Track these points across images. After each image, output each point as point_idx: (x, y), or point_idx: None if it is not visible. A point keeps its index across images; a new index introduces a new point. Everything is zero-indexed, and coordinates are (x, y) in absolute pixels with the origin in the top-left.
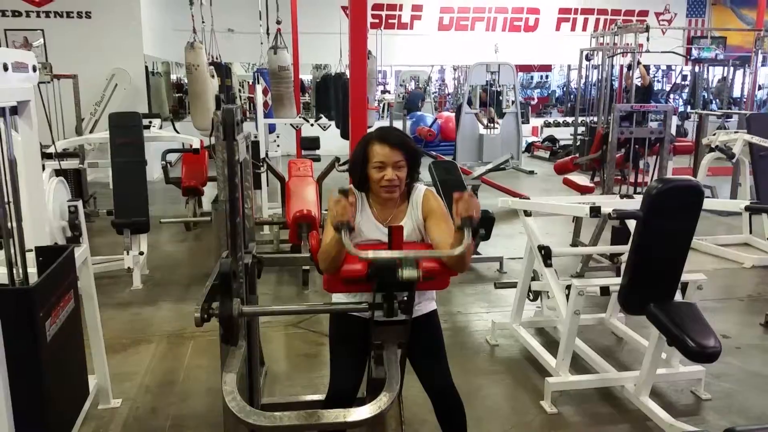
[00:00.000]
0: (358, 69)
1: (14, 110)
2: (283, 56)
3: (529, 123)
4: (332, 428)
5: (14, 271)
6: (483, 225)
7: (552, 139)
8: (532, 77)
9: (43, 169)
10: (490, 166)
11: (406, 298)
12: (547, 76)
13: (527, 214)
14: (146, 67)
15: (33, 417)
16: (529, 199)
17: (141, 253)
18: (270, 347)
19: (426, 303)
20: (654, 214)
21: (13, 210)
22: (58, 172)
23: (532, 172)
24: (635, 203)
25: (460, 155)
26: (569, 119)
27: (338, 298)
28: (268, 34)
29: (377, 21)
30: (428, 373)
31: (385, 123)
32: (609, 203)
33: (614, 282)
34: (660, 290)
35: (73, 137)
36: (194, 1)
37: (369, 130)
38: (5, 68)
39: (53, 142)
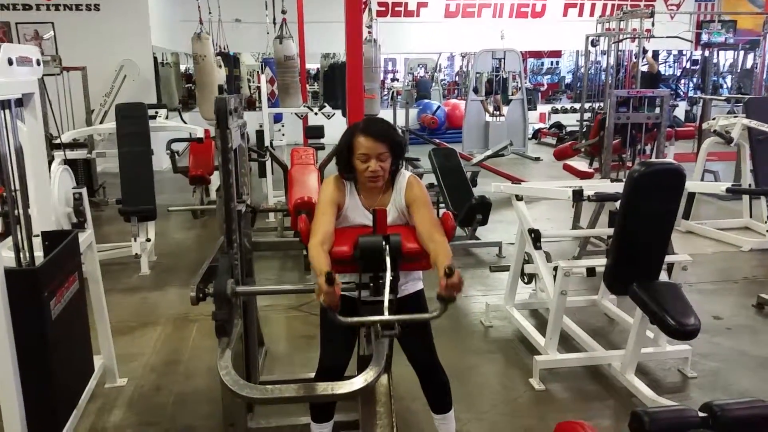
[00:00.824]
0: (354, 57)
1: (20, 102)
2: (288, 46)
3: (536, 109)
4: (322, 400)
5: (21, 255)
6: (480, 210)
7: (559, 126)
8: (542, 63)
9: (53, 159)
10: (488, 153)
11: (391, 279)
12: (557, 62)
13: (518, 198)
14: (155, 58)
15: (39, 390)
16: (521, 183)
17: (148, 240)
18: (271, 329)
19: (413, 283)
20: (636, 197)
21: (20, 197)
22: (67, 162)
23: (537, 159)
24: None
25: (466, 142)
26: (577, 105)
27: None
28: (274, 23)
29: (383, 9)
30: (414, 351)
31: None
32: (598, 187)
33: (600, 263)
34: (644, 271)
35: (82, 128)
36: None
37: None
38: (10, 62)
39: (59, 134)
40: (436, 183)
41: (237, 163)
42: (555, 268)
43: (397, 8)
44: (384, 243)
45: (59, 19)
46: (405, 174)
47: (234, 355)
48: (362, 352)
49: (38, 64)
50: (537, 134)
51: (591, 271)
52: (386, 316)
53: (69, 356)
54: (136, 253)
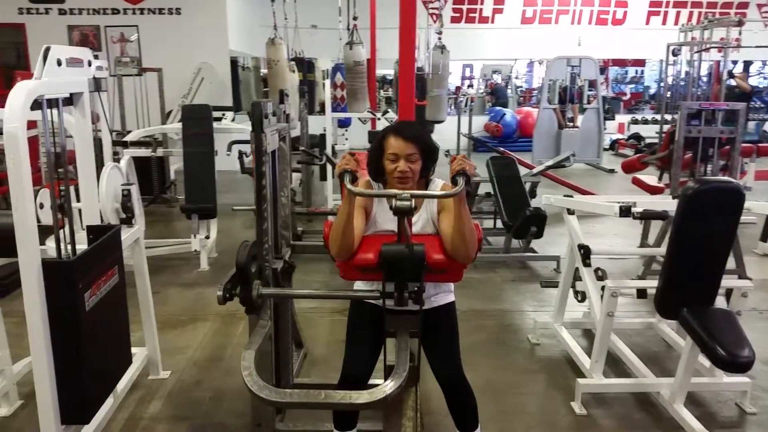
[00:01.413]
0: (406, 64)
1: (69, 101)
2: (358, 51)
3: (614, 119)
4: (341, 409)
5: (64, 248)
6: (535, 222)
7: (638, 137)
8: (626, 72)
9: (121, 156)
10: (549, 163)
11: (416, 288)
12: (641, 71)
13: (570, 212)
14: (233, 62)
15: (71, 377)
16: (568, 197)
17: (207, 237)
18: (313, 331)
19: (443, 295)
20: (689, 216)
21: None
22: (136, 160)
23: (612, 171)
24: None
25: (537, 151)
26: (659, 117)
27: (358, 285)
28: (348, 29)
29: (458, 15)
30: (437, 363)
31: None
32: (657, 204)
33: (652, 285)
34: (696, 295)
35: (151, 127)
36: None
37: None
38: (59, 63)
39: (109, 133)
40: (492, 192)
41: (275, 167)
42: (603, 288)
43: (471, 14)
44: (407, 251)
45: (143, 23)
46: (438, 181)
47: (262, 356)
48: (388, 363)
49: (89, 65)
50: (614, 145)
51: (642, 293)
52: (403, 193)
53: (104, 347)
54: (195, 249)
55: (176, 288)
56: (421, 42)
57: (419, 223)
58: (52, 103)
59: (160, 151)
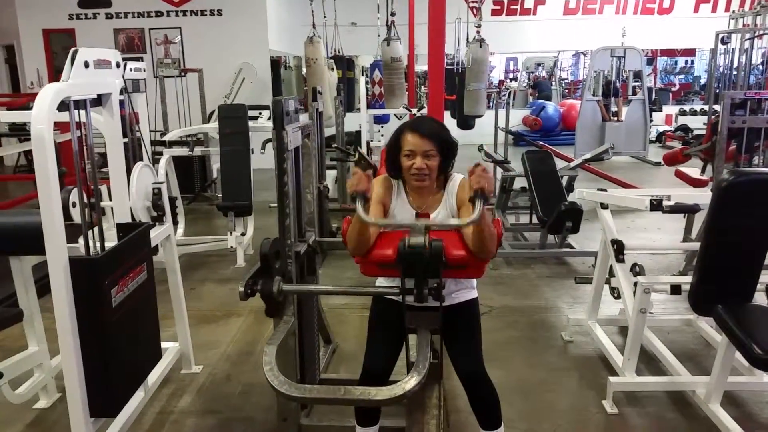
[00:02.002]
0: (435, 59)
1: (98, 102)
2: (395, 48)
3: (661, 111)
4: (360, 405)
5: (93, 245)
6: (570, 217)
7: (685, 129)
8: (675, 62)
9: (160, 155)
10: (587, 156)
11: (436, 285)
12: (691, 61)
13: (603, 206)
14: (274, 62)
15: (99, 371)
16: (602, 190)
17: (242, 234)
18: (343, 327)
19: (464, 292)
20: (724, 209)
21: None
22: (175, 159)
23: (658, 164)
24: None
25: (580, 145)
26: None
27: (380, 281)
28: (387, 26)
29: (498, 8)
30: (459, 360)
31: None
32: (693, 197)
33: (687, 281)
34: (733, 291)
35: (190, 127)
36: None
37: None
38: (86, 65)
39: (148, 132)
40: (527, 187)
41: (299, 164)
42: (636, 284)
43: (512, 6)
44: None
45: (186, 24)
46: (457, 177)
47: (286, 352)
48: (411, 359)
49: (118, 66)
50: (661, 137)
51: (676, 289)
52: (417, 224)
53: (132, 342)
54: (232, 246)
55: (212, 284)
56: (459, 36)
57: (439, 217)
58: (80, 104)
59: (197, 150)
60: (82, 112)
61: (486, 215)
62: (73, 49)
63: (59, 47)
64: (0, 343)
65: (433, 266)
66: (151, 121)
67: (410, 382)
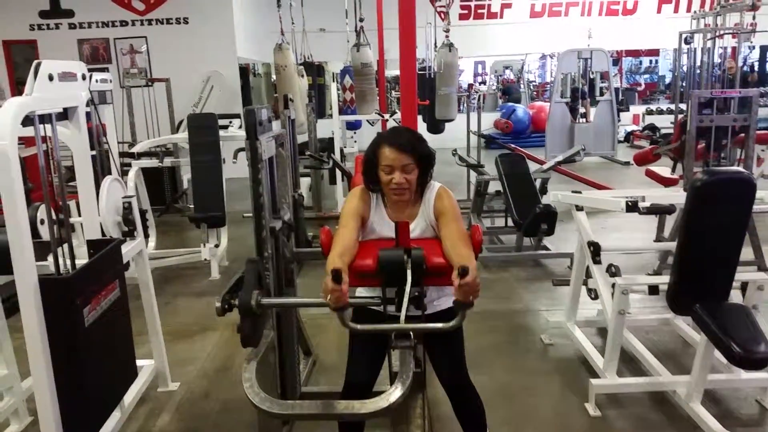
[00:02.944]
0: (407, 64)
1: (64, 116)
2: (365, 53)
3: (629, 111)
4: (344, 419)
5: (63, 263)
6: (545, 220)
7: (652, 128)
8: (640, 62)
9: (129, 167)
10: (559, 158)
11: (417, 294)
12: (656, 61)
13: (578, 208)
14: (243, 69)
15: (72, 394)
16: (576, 192)
17: (216, 246)
18: (324, 338)
19: (446, 299)
20: (699, 209)
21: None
22: (145, 171)
23: (627, 163)
24: None
25: (550, 146)
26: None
27: (360, 292)
28: (356, 32)
29: (466, 12)
30: (442, 370)
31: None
32: (667, 197)
33: (664, 281)
34: (710, 290)
35: (159, 137)
36: (281, 4)
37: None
38: (50, 78)
39: (116, 144)
40: (501, 191)
41: (274, 174)
42: (614, 285)
43: (479, 10)
44: (405, 256)
45: (152, 33)
46: (434, 185)
47: (266, 366)
48: (393, 369)
49: (83, 78)
50: (629, 137)
51: (654, 289)
52: (401, 324)
53: (106, 361)
54: (205, 258)
55: (187, 298)
56: (429, 41)
57: (417, 229)
58: (45, 118)
59: (167, 161)
60: (48, 125)
61: (459, 222)
62: (36, 61)
63: (21, 58)
64: None
65: (414, 275)
66: (118, 132)
67: (394, 394)
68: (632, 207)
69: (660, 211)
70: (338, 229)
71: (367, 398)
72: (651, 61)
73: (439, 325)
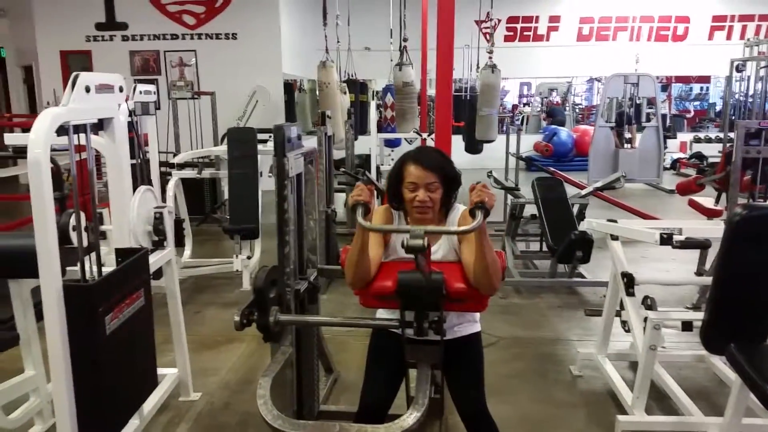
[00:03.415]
0: (443, 86)
1: (100, 126)
2: (407, 72)
3: (676, 138)
4: None
5: (91, 270)
6: (580, 247)
7: (700, 156)
8: (691, 89)
9: (170, 177)
10: (598, 184)
11: (437, 318)
12: (707, 88)
13: (613, 237)
14: (287, 85)
15: (90, 400)
16: (612, 221)
17: (249, 258)
18: (347, 356)
19: (467, 325)
20: (737, 244)
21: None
22: (186, 181)
23: (672, 191)
24: None
25: (593, 171)
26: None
27: (380, 313)
28: (399, 51)
29: (512, 34)
30: (460, 397)
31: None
32: (706, 230)
33: (699, 317)
34: (747, 330)
35: (197, 150)
36: (327, 22)
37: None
38: (87, 90)
39: (157, 154)
40: (537, 214)
41: (301, 190)
42: (645, 319)
43: (526, 33)
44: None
45: (201, 47)
46: (459, 207)
47: (284, 383)
48: (410, 393)
49: (120, 90)
50: (676, 164)
51: (687, 326)
52: (413, 227)
53: (127, 369)
54: (237, 269)
55: (216, 308)
56: (470, 61)
57: (440, 251)
58: (80, 128)
59: (206, 173)
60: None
61: (487, 238)
62: (74, 73)
63: (77, 68)
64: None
65: (433, 299)
66: (164, 142)
67: (408, 420)
68: (666, 240)
69: (693, 245)
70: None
71: (383, 421)
72: (702, 88)
73: (458, 228)
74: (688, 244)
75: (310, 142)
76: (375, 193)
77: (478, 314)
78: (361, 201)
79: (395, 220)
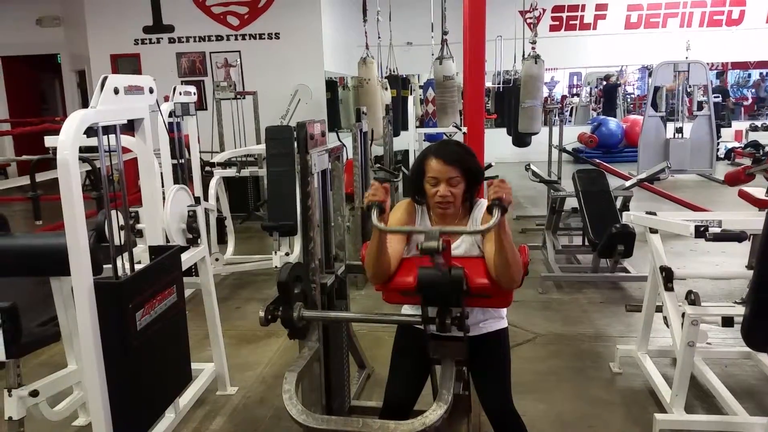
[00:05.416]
0: (475, 77)
1: (131, 126)
2: (447, 66)
3: (730, 126)
4: None
5: (123, 268)
6: (622, 240)
7: (756, 145)
8: (749, 75)
9: (212, 175)
10: (642, 176)
11: (459, 314)
12: (766, 74)
13: (653, 231)
14: (331, 82)
15: (123, 394)
16: (651, 214)
17: (287, 254)
18: (381, 351)
19: (493, 321)
20: None
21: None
22: (230, 179)
23: (724, 182)
24: None
25: (642, 162)
26: None
27: (405, 309)
28: (440, 44)
29: (557, 23)
30: (485, 395)
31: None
32: (748, 221)
33: (740, 312)
34: None
35: (238, 149)
36: (368, 18)
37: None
38: (116, 92)
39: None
40: (578, 208)
41: (325, 186)
42: (683, 315)
43: (572, 22)
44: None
45: (245, 48)
46: (483, 203)
47: (312, 378)
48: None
49: (151, 92)
50: (731, 154)
51: (728, 321)
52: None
53: (159, 365)
54: (276, 266)
55: (257, 303)
56: (518, 53)
57: (462, 246)
58: (110, 129)
59: (246, 171)
60: (122, 136)
61: (507, 231)
62: (102, 76)
63: (128, 71)
64: (47, 361)
65: (453, 295)
66: (208, 142)
67: (431, 417)
68: (701, 232)
69: (728, 238)
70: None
71: (407, 417)
72: (761, 74)
73: (474, 229)
74: (722, 236)
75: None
76: (389, 187)
77: (504, 310)
78: (375, 201)
79: (418, 215)
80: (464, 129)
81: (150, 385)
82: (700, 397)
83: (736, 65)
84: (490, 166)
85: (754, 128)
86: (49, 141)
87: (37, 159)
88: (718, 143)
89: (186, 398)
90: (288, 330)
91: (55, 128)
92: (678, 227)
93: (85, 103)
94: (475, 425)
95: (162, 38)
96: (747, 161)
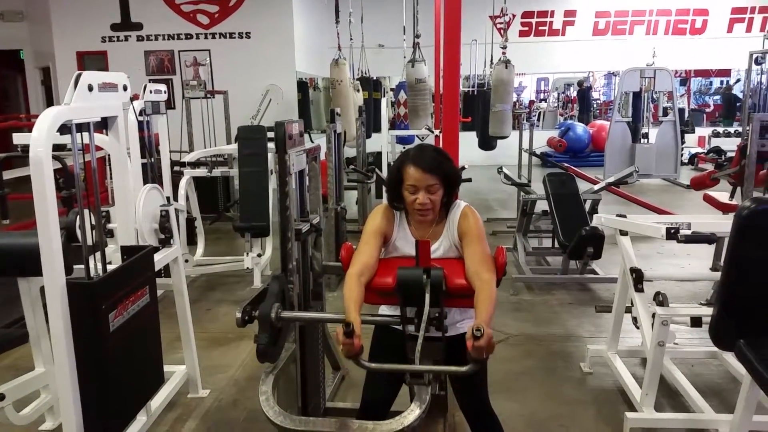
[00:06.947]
0: (450, 81)
1: (105, 125)
2: (420, 69)
3: (694, 132)
4: None
5: (95, 268)
6: (591, 243)
7: (718, 151)
8: (711, 83)
9: (182, 175)
10: (611, 179)
11: (437, 315)
12: (726, 82)
13: (623, 233)
14: (301, 83)
15: (95, 397)
16: (621, 216)
17: (259, 255)
18: None
19: (470, 321)
20: (745, 238)
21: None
22: (200, 179)
23: (688, 187)
24: None
25: (609, 167)
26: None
27: (383, 309)
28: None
29: (527, 29)
30: (462, 395)
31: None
32: (715, 224)
33: (707, 312)
34: (755, 325)
35: (208, 148)
36: (339, 20)
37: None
38: (90, 89)
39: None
40: (548, 210)
41: (302, 185)
42: (653, 315)
43: (541, 27)
44: (425, 277)
45: (215, 47)
46: (460, 204)
47: (288, 380)
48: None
49: (125, 89)
50: (694, 159)
51: (696, 321)
52: (415, 366)
53: (132, 366)
54: (248, 267)
55: (228, 305)
56: (487, 57)
57: (440, 249)
58: (83, 127)
59: (217, 171)
60: (95, 134)
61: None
62: (76, 72)
63: (94, 68)
64: (13, 363)
65: (432, 295)
66: (177, 141)
67: (409, 417)
68: (672, 234)
69: (698, 240)
70: (359, 246)
71: (385, 417)
72: (721, 82)
73: (455, 368)
74: (693, 238)
75: (324, 140)
76: (359, 337)
77: None
78: (352, 356)
79: (396, 220)
80: (437, 132)
81: (123, 387)
82: (668, 396)
83: (698, 73)
84: (463, 168)
85: (716, 134)
86: (18, 138)
87: (4, 157)
88: (683, 149)
89: (158, 401)
90: (257, 351)
91: (22, 125)
92: (650, 229)
93: (49, 101)
94: (452, 425)
95: (130, 36)
96: (710, 166)
